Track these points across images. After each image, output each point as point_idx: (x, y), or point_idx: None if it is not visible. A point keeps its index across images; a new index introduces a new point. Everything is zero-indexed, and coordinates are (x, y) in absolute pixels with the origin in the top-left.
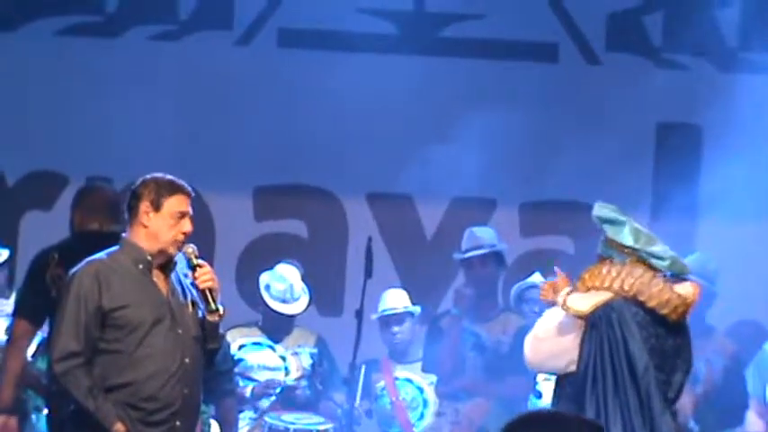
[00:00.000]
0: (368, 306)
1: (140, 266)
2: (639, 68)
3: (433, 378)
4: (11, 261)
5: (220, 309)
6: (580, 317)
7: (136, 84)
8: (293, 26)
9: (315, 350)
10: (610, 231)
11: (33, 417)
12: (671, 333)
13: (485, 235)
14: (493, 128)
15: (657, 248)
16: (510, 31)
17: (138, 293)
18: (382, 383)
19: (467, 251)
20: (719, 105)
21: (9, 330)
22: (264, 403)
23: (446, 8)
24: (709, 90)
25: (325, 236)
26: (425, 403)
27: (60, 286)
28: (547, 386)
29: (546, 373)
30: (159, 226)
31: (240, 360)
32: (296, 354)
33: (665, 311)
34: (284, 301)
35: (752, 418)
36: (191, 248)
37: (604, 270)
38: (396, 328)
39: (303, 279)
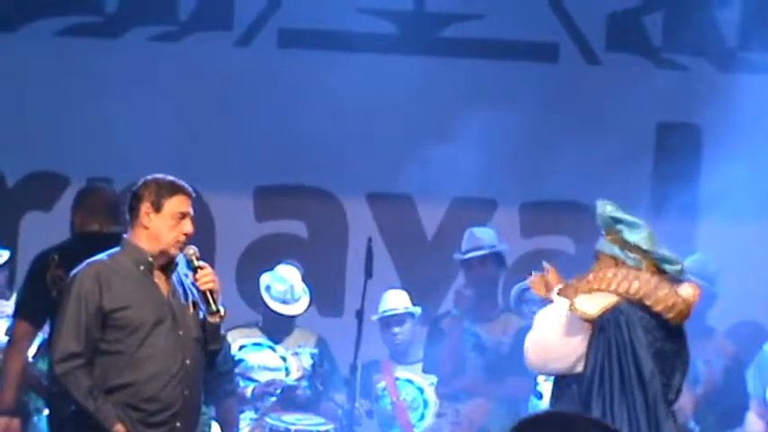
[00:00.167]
0: (368, 306)
1: (141, 267)
2: (639, 68)
3: (434, 379)
4: (11, 262)
5: (221, 310)
6: (587, 319)
7: (136, 84)
8: (293, 26)
9: (315, 351)
10: (626, 233)
11: (35, 418)
12: (671, 336)
13: (485, 235)
14: (493, 128)
15: (668, 253)
16: (510, 32)
17: (139, 294)
18: (383, 384)
19: (467, 252)
20: (719, 105)
21: (9, 331)
22: (265, 404)
23: (446, 8)
24: (709, 90)
25: (326, 236)
26: (426, 404)
27: (61, 287)
28: (547, 387)
29: (548, 374)
30: (160, 227)
31: (241, 361)
32: (296, 354)
33: (669, 315)
34: (284, 302)
35: (752, 418)
36: (192, 250)
37: (610, 273)
38: (396, 329)
39: (303, 279)
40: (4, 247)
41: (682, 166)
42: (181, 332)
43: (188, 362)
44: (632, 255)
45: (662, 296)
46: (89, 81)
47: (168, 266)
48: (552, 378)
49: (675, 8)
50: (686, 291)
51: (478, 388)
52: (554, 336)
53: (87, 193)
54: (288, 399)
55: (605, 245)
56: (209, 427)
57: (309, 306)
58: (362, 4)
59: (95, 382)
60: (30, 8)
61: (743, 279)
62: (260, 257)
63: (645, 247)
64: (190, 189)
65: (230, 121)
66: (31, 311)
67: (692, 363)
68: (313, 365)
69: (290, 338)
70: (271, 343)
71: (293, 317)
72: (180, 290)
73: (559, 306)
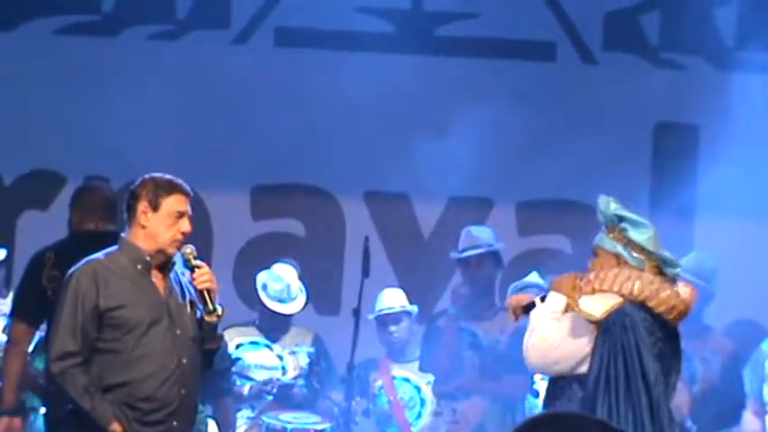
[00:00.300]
0: (365, 305)
1: (139, 266)
2: (636, 68)
3: (431, 377)
4: (8, 261)
5: (218, 309)
6: (592, 321)
7: (133, 83)
8: (290, 25)
9: (312, 349)
10: (630, 231)
11: (32, 417)
12: (669, 336)
13: (482, 234)
14: (490, 127)
15: (669, 255)
16: (507, 30)
17: (135, 293)
18: (380, 383)
19: (464, 250)
20: (717, 105)
21: (7, 330)
22: (262, 403)
23: (443, 7)
24: (707, 89)
25: (323, 235)
26: (423, 402)
27: (56, 287)
28: (544, 385)
29: (549, 375)
30: (157, 226)
31: (237, 359)
32: (293, 353)
33: (670, 317)
34: (281, 301)
35: (748, 417)
36: (189, 249)
37: (612, 273)
38: (393, 328)
39: (300, 278)
40: (1, 246)
41: (679, 165)
42: (178, 331)
43: (185, 361)
44: (636, 254)
45: (664, 298)
46: (87, 80)
47: (166, 265)
48: (548, 377)
49: (672, 7)
50: (684, 291)
51: (475, 386)
52: (557, 337)
53: (84, 191)
54: (285, 397)
55: (606, 241)
56: (206, 425)
57: (306, 305)
58: (359, 2)
59: (92, 381)
60: (28, 7)
61: (740, 278)
62: (257, 256)
63: (649, 247)
64: (187, 188)
65: (227, 120)
66: (27, 312)
67: (690, 361)
68: (310, 364)
69: (286, 337)
70: (268, 342)
71: (290, 316)
72: (177, 289)
73: (553, 301)
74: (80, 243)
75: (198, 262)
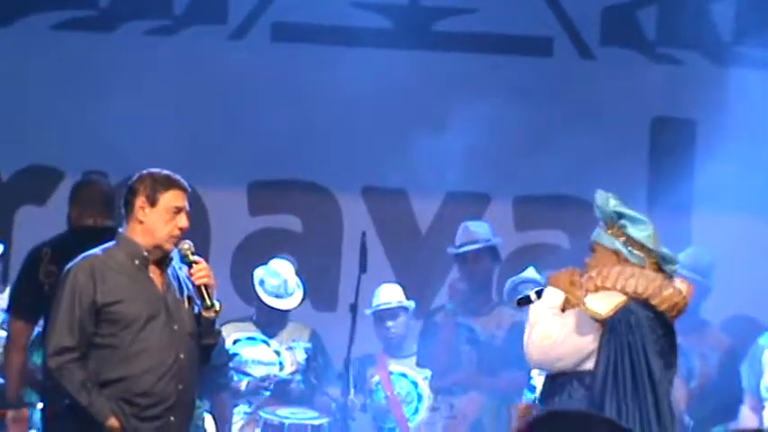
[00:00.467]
0: (362, 301)
1: (136, 262)
2: (634, 63)
3: (428, 372)
4: (5, 256)
5: (216, 305)
6: (598, 319)
7: (131, 78)
8: (287, 20)
9: (309, 345)
10: (630, 228)
11: (29, 412)
12: (667, 332)
13: (479, 229)
14: (487, 122)
15: (668, 252)
16: (504, 25)
17: (132, 289)
18: (377, 378)
19: (461, 246)
20: (714, 100)
21: (4, 324)
22: (259, 398)
23: (441, 2)
24: (704, 84)
25: (320, 231)
26: (420, 398)
27: (53, 282)
28: (542, 381)
29: (551, 371)
30: (155, 221)
31: (235, 355)
32: (290, 348)
33: (672, 314)
34: (278, 297)
35: (746, 412)
36: (186, 245)
37: (615, 271)
38: (390, 323)
39: (297, 274)
40: None
41: (676, 159)
42: (175, 326)
43: (182, 356)
44: (636, 252)
45: (667, 296)
46: (84, 75)
47: (163, 261)
48: (546, 373)
49: (670, 2)
50: (682, 288)
51: (472, 382)
52: (560, 334)
53: (83, 186)
54: (282, 393)
55: (605, 237)
56: (203, 420)
57: (303, 300)
58: None
59: (89, 376)
60: (24, 2)
61: (737, 273)
62: (254, 252)
63: (649, 245)
64: (185, 183)
65: (224, 116)
66: (24, 307)
67: (687, 356)
68: (307, 360)
69: (283, 333)
70: (265, 337)
71: (287, 311)
72: (175, 284)
73: (551, 296)
74: (77, 238)
75: (195, 257)
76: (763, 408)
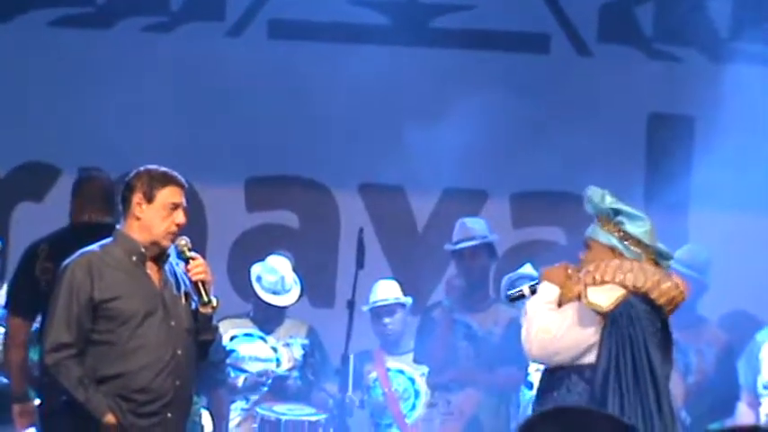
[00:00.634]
0: (359, 297)
1: (133, 258)
2: (631, 59)
3: (425, 369)
4: (3, 252)
5: (213, 301)
6: (599, 312)
7: (128, 75)
8: (284, 17)
9: (306, 341)
10: (627, 225)
11: None
12: (664, 326)
13: (476, 226)
14: (484, 119)
15: (663, 247)
16: (501, 22)
17: (130, 285)
18: (374, 374)
19: (458, 242)
20: (711, 96)
21: (2, 320)
22: (256, 394)
23: None
24: (701, 81)
25: (317, 227)
26: (417, 394)
27: (50, 278)
28: (539, 377)
29: (549, 365)
30: (152, 217)
31: (232, 351)
32: (287, 345)
33: (669, 308)
34: (275, 293)
35: (743, 408)
36: (183, 241)
37: (613, 265)
38: (387, 320)
39: (294, 270)
40: None
41: (673, 156)
42: (172, 323)
43: (179, 352)
44: (632, 247)
45: (665, 289)
46: (81, 71)
47: (160, 257)
48: (542, 368)
49: None
50: (679, 282)
51: (469, 378)
52: (560, 328)
53: (84, 181)
54: (279, 389)
55: (600, 233)
56: (200, 416)
57: (300, 297)
58: None
59: (86, 373)
60: None
61: (734, 269)
62: (251, 248)
63: (646, 240)
64: (182, 180)
65: (222, 112)
66: (22, 305)
67: (684, 352)
68: (304, 356)
69: (281, 329)
70: (262, 333)
71: (284, 308)
72: (172, 280)
73: (547, 291)
74: (75, 235)
75: (192, 254)
76: (759, 404)
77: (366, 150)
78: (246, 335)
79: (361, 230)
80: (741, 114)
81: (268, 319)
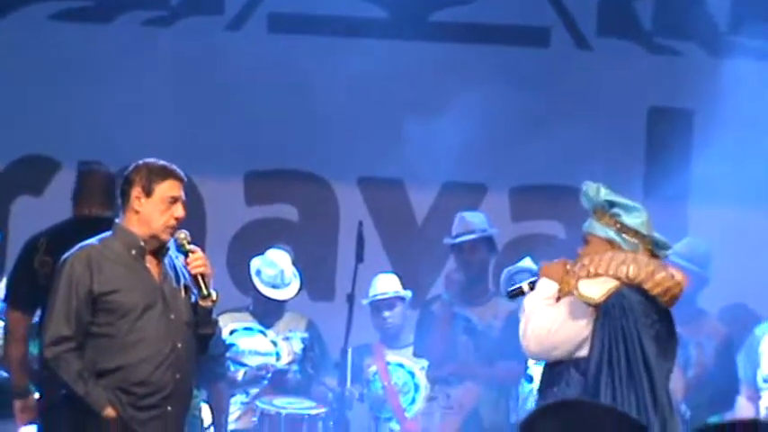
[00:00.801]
0: (359, 291)
1: (133, 252)
2: (630, 53)
3: (425, 363)
4: (2, 246)
5: (213, 294)
6: (591, 304)
7: (128, 69)
8: (283, 11)
9: (306, 335)
10: (623, 216)
11: None
12: (663, 318)
13: (475, 220)
14: (483, 112)
15: (661, 237)
16: (501, 16)
17: (129, 278)
18: (374, 368)
19: (457, 236)
20: (710, 90)
21: (1, 314)
22: (256, 388)
23: None
24: (700, 75)
25: (317, 220)
26: (417, 388)
27: (48, 272)
28: (539, 371)
29: (549, 360)
30: (151, 211)
31: (231, 345)
32: (287, 338)
33: (664, 299)
34: (275, 287)
35: (742, 402)
36: (183, 234)
37: (606, 257)
38: (386, 313)
39: (294, 264)
40: None
41: (672, 150)
42: (172, 316)
43: (179, 346)
44: (630, 239)
45: (659, 280)
46: (81, 65)
47: (160, 250)
48: (542, 362)
49: None
50: (677, 274)
51: (469, 372)
52: (555, 322)
53: (86, 174)
54: (279, 383)
55: (597, 227)
56: (200, 410)
57: (300, 290)
58: None
59: (86, 366)
60: None
61: (734, 262)
62: (251, 242)
63: (643, 231)
64: (181, 173)
65: (221, 106)
66: (21, 298)
67: (684, 346)
68: (304, 350)
69: (280, 323)
70: (261, 327)
71: (284, 301)
72: (172, 274)
73: (545, 287)
74: (74, 228)
75: (192, 247)
76: (759, 397)
77: (365, 144)
78: (246, 329)
79: (360, 224)
80: (740, 108)
81: (267, 312)
